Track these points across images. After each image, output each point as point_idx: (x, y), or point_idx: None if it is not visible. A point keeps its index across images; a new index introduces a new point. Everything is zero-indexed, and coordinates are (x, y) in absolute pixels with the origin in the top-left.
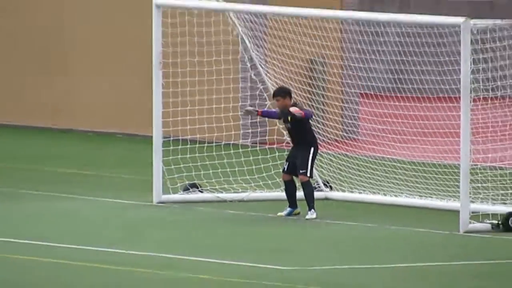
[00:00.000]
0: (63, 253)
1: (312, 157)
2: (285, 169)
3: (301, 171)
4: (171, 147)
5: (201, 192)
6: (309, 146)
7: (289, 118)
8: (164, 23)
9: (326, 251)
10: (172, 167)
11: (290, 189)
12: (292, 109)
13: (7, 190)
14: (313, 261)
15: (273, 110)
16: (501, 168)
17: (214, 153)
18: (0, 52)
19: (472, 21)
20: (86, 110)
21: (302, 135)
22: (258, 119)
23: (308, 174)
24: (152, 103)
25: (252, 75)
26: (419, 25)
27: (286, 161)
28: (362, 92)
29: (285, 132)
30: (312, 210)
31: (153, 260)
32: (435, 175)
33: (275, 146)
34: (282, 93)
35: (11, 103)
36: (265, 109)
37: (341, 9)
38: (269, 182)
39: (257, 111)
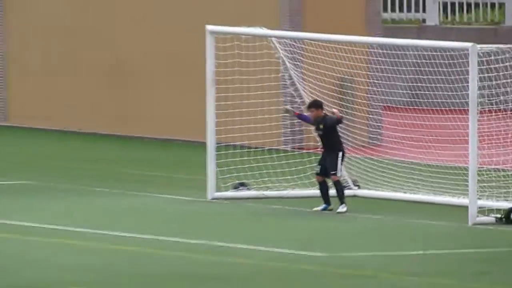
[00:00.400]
0: (133, 242)
1: (340, 160)
2: (318, 171)
3: (331, 172)
4: (223, 152)
5: (249, 190)
6: (337, 150)
7: (320, 126)
8: (216, 46)
9: (354, 240)
10: (224, 168)
11: (323, 189)
12: (335, 111)
13: (84, 188)
14: (343, 248)
15: (308, 115)
16: (504, 170)
17: (259, 157)
18: (85, 72)
19: (479, 46)
20: (151, 120)
21: (331, 141)
22: (295, 122)
23: (338, 174)
24: (206, 114)
25: (292, 90)
26: (434, 49)
27: (318, 164)
28: (385, 105)
29: (318, 139)
30: (343, 204)
31: (206, 247)
32: (447, 176)
33: (311, 151)
34: (316, 105)
35: (94, 114)
36: (302, 113)
37: (367, 35)
38: (306, 181)
39: (294, 112)
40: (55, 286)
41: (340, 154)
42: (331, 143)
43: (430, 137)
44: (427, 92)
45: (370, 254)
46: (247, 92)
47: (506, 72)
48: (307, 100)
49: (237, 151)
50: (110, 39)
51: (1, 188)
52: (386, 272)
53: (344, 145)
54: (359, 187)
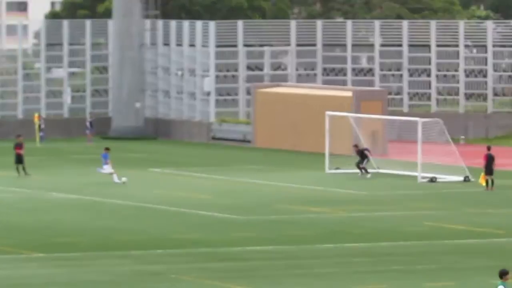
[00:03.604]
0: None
1: (366, 161)
2: (357, 163)
3: (362, 165)
4: (332, 156)
5: (340, 169)
6: (365, 158)
7: (358, 152)
8: (330, 121)
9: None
10: (333, 162)
11: (358, 167)
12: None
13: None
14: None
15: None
16: (430, 163)
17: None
18: (293, 126)
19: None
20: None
21: (362, 156)
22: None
23: (363, 165)
24: (325, 143)
25: (356, 135)
26: (427, 123)
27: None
28: (389, 139)
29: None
30: (368, 174)
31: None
32: (410, 164)
33: (372, 157)
34: (355, 145)
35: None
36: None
37: (383, 114)
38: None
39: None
40: None
41: (366, 159)
42: (362, 157)
43: (406, 151)
44: (404, 134)
45: (391, 193)
46: (340, 135)
47: (430, 129)
48: (362, 139)
49: (338, 156)
50: (293, 115)
51: (252, 169)
52: (401, 200)
53: (373, 154)
54: (379, 168)
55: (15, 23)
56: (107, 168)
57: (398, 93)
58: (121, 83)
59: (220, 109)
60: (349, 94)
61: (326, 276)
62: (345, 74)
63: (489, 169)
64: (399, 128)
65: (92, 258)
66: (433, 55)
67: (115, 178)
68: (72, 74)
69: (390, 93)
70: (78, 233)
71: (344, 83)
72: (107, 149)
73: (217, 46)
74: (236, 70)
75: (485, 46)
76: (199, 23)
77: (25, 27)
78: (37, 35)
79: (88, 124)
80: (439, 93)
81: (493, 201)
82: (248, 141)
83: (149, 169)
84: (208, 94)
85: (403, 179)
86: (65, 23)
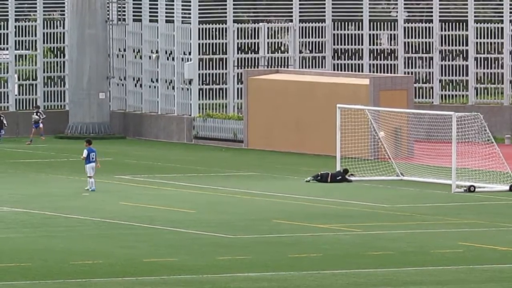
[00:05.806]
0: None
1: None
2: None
3: (349, 173)
4: (343, 159)
5: (354, 176)
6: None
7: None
8: (342, 114)
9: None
10: (347, 167)
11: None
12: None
13: (278, 175)
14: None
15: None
16: (466, 168)
17: (357, 162)
18: (286, 121)
19: (456, 114)
20: (314, 143)
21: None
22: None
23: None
24: (336, 143)
25: (373, 132)
26: (436, 115)
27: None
28: (415, 139)
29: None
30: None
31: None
32: (440, 170)
33: (382, 159)
34: (346, 170)
35: (288, 140)
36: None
37: (408, 108)
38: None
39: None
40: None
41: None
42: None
43: (436, 153)
44: (434, 133)
45: (418, 205)
46: (354, 133)
47: (467, 125)
48: (381, 137)
49: (352, 159)
50: (296, 109)
51: (244, 175)
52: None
53: (396, 157)
54: (403, 175)
55: None
56: (92, 169)
57: (427, 81)
58: (80, 69)
59: (205, 101)
60: (366, 82)
61: None
62: (360, 57)
63: None
64: (428, 124)
65: (44, 287)
66: (471, 33)
67: (93, 183)
68: (19, 58)
69: (417, 81)
70: (26, 256)
71: (359, 68)
72: (90, 142)
73: (201, 22)
74: (224, 52)
75: None
76: None
77: None
78: None
79: (33, 120)
80: (478, 80)
81: None
82: (240, 141)
83: (115, 176)
84: (190, 82)
85: (433, 188)
86: None
